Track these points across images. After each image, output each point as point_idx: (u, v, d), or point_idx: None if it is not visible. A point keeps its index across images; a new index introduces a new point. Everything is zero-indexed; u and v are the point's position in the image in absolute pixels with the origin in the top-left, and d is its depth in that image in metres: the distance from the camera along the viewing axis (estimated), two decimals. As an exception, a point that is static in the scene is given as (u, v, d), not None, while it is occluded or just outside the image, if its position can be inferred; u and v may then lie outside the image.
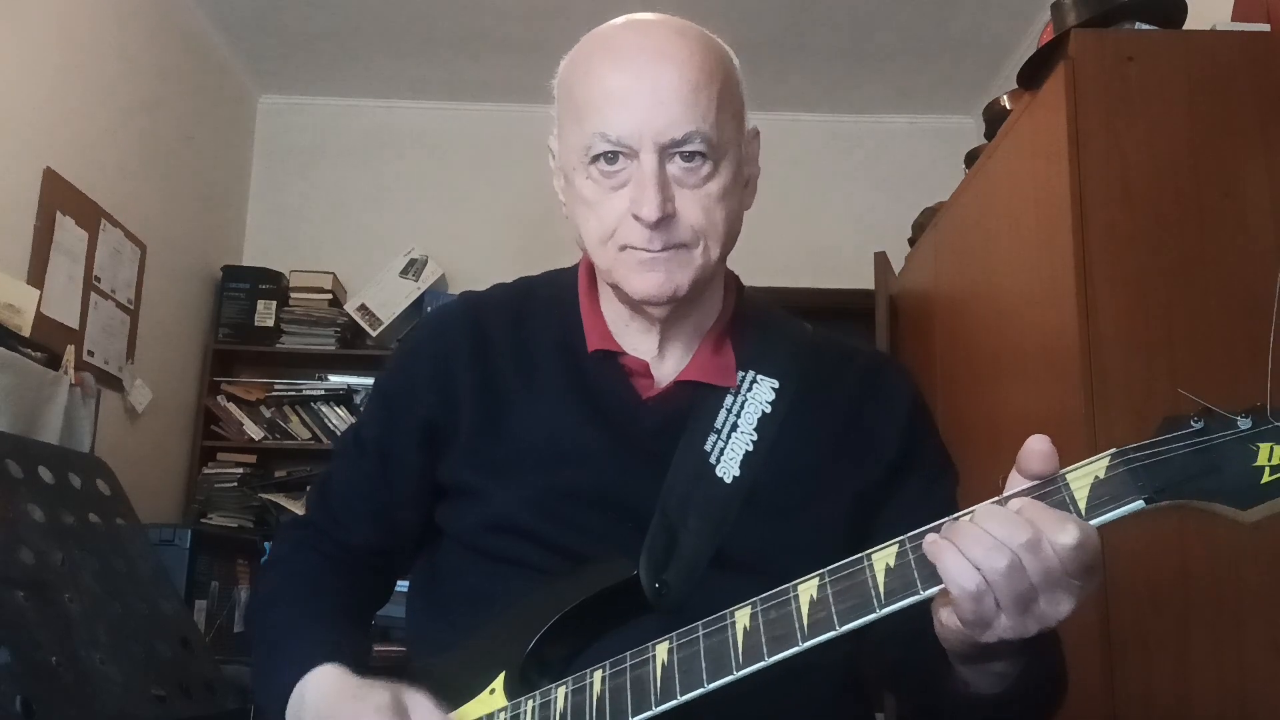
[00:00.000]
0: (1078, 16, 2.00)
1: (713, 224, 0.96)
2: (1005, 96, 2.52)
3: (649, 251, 0.94)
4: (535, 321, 1.08)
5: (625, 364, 1.04)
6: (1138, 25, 1.98)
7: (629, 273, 0.96)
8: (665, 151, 0.93)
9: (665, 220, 0.93)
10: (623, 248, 0.96)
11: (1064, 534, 0.71)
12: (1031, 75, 2.09)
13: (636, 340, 1.04)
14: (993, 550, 0.72)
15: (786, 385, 1.04)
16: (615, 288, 1.00)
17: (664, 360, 1.04)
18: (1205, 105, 1.89)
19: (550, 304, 1.09)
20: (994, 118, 2.53)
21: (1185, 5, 2.05)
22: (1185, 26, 2.05)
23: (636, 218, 0.93)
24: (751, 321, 1.08)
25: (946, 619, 0.78)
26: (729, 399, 1.02)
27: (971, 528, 0.74)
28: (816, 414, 1.04)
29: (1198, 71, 1.91)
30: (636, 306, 1.01)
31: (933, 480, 1.04)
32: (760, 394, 1.03)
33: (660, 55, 0.94)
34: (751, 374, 1.04)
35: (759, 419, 1.02)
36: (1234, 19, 2.09)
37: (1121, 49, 1.92)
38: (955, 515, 0.77)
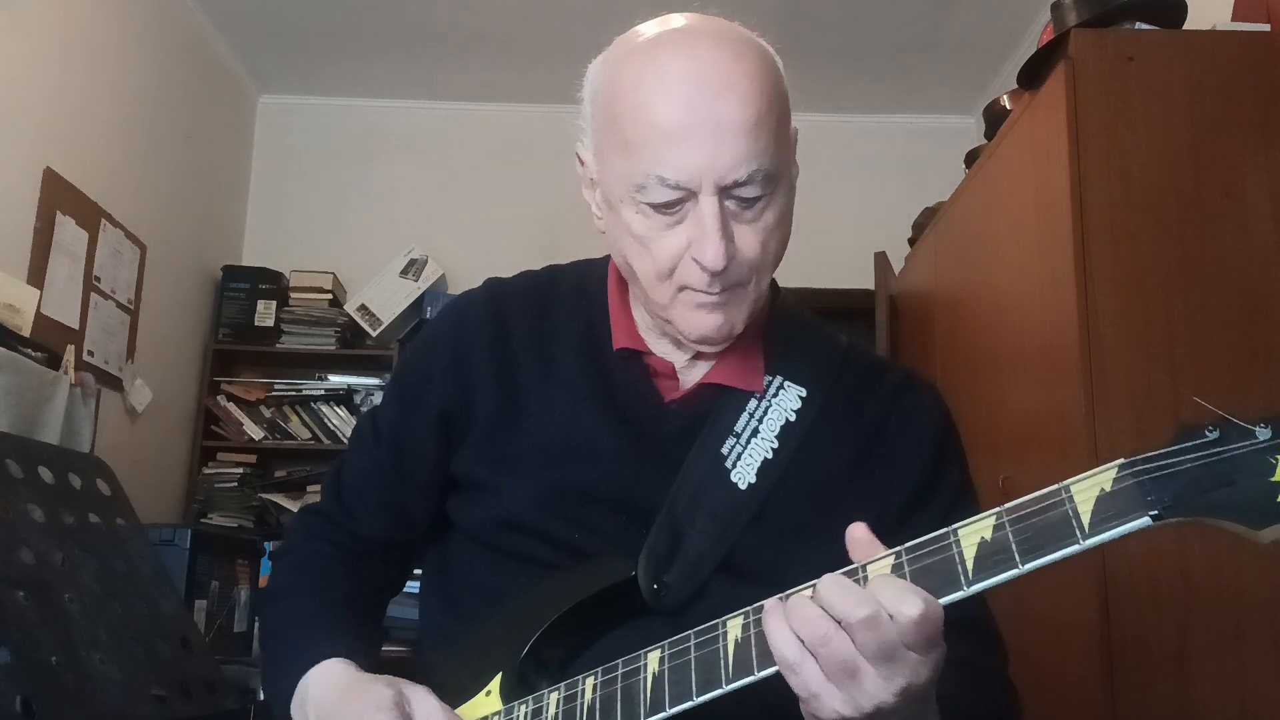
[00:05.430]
0: (1078, 16, 2.00)
1: (766, 256, 0.92)
2: (1005, 96, 2.52)
3: (708, 294, 0.90)
4: (560, 313, 1.04)
5: (650, 364, 1.00)
6: (1138, 25, 1.98)
7: (685, 313, 0.92)
8: (725, 192, 0.87)
9: (727, 264, 0.88)
10: (681, 288, 0.91)
11: (908, 605, 0.69)
12: (1031, 75, 2.10)
13: (668, 346, 1.01)
14: (816, 621, 0.70)
15: (814, 394, 0.99)
16: (669, 323, 0.94)
17: (693, 365, 1.00)
18: (1205, 105, 1.89)
19: (577, 297, 1.05)
20: (994, 118, 2.53)
21: (1185, 5, 2.05)
22: (1185, 26, 2.06)
23: (697, 262, 0.88)
24: (785, 326, 1.03)
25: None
26: (753, 403, 0.98)
27: (805, 602, 0.72)
28: (841, 428, 0.99)
29: (1198, 71, 1.91)
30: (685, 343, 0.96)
31: (947, 512, 0.94)
32: (786, 401, 0.99)
33: (720, 87, 0.86)
34: (780, 379, 1.00)
35: (782, 427, 0.97)
36: (1234, 19, 2.09)
37: (1121, 49, 1.92)
38: (806, 585, 0.74)
